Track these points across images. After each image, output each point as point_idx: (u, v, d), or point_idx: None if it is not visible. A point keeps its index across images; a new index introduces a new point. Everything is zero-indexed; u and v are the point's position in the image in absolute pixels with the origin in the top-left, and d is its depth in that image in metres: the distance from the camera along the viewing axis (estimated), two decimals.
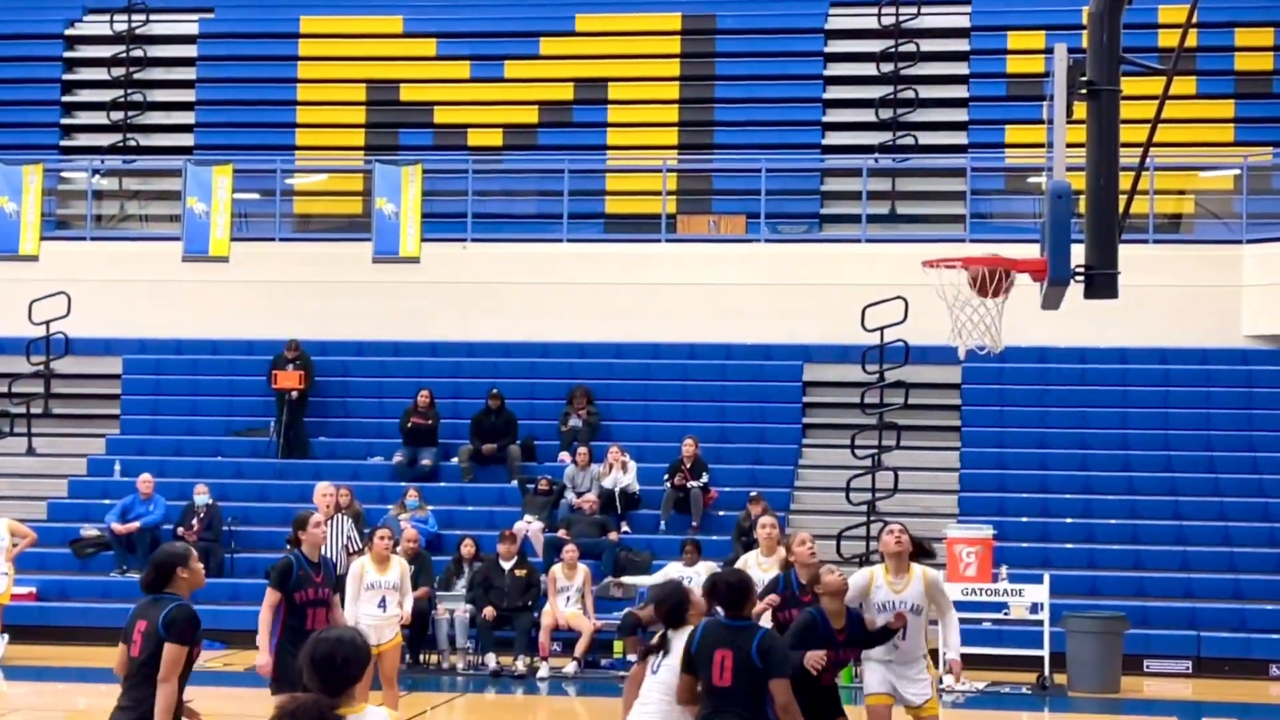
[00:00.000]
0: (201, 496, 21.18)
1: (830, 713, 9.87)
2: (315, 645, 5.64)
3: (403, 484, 22.04)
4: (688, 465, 21.43)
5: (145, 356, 25.04)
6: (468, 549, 19.50)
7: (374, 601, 13.22)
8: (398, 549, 16.38)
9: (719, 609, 8.42)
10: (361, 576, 13.32)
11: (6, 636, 19.02)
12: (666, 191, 25.98)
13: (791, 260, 24.76)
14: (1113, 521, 21.34)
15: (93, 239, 26.31)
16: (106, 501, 21.91)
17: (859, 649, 10.24)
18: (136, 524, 21.19)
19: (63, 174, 27.92)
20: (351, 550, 16.62)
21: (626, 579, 19.81)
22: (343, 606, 13.16)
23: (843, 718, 10.01)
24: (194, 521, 20.96)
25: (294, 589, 11.69)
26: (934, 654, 10.68)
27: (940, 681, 10.69)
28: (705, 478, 21.44)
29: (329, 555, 15.71)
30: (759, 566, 12.94)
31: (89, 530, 21.79)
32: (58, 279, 24.23)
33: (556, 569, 18.96)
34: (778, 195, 26.02)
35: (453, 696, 17.38)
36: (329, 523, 16.31)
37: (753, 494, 20.39)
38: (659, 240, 25.35)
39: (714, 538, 20.39)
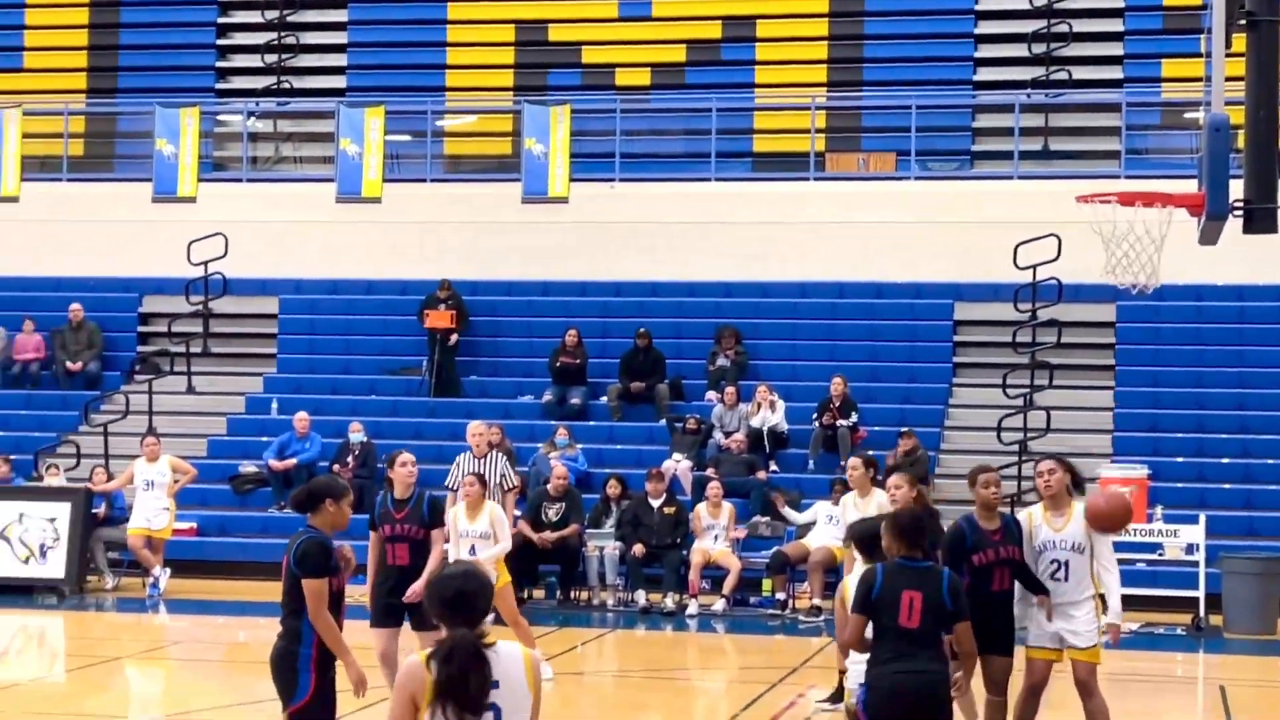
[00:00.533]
0: (356, 434, 21.50)
1: (1003, 640, 9.83)
2: (441, 584, 5.66)
3: (552, 422, 22.21)
4: (836, 404, 21.37)
5: (301, 296, 25.44)
6: (614, 489, 19.63)
7: (465, 550, 13.28)
8: (509, 493, 16.58)
9: (895, 549, 8.26)
10: (454, 524, 13.40)
11: (168, 570, 19.49)
12: (815, 129, 25.81)
13: (942, 198, 24.51)
14: (1271, 462, 20.97)
15: (248, 181, 26.73)
16: (264, 439, 22.33)
17: (1019, 548, 10.09)
18: (293, 461, 21.58)
19: (219, 117, 28.37)
20: (506, 488, 16.86)
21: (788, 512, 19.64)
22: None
23: (1009, 655, 9.94)
24: (349, 459, 21.28)
25: (374, 525, 12.21)
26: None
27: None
28: (854, 417, 21.36)
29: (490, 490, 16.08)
30: (855, 507, 12.86)
31: (247, 467, 22.23)
32: (215, 220, 24.65)
33: (702, 507, 19.03)
34: (928, 132, 25.73)
35: (602, 633, 17.54)
36: (482, 461, 16.62)
37: (904, 430, 20.30)
38: (807, 179, 25.20)
39: None
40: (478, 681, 5.42)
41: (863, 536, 9.08)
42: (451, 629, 5.54)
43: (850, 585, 8.63)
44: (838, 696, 11.77)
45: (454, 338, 23.68)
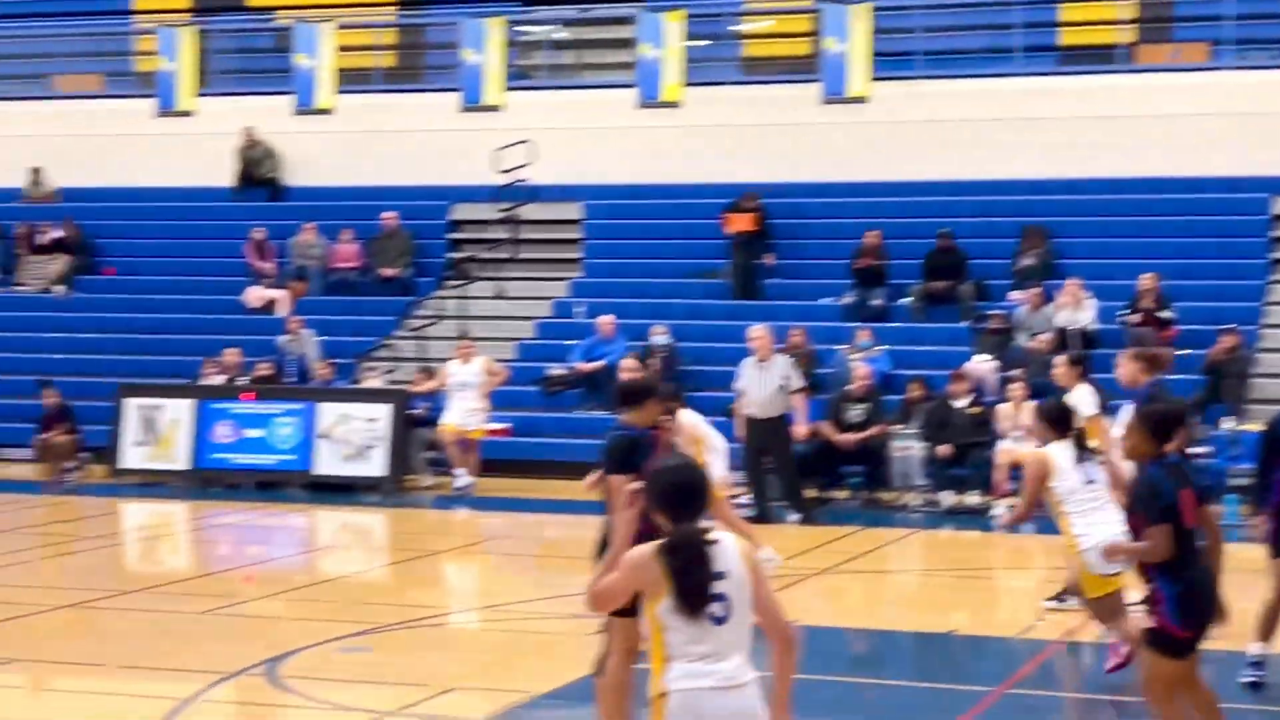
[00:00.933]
0: (660, 337, 21.79)
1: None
2: (663, 477, 5.73)
3: (854, 324, 22.17)
4: (1147, 301, 20.86)
5: (604, 202, 25.79)
6: (916, 391, 19.54)
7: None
8: (794, 395, 16.72)
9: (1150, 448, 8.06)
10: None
11: (469, 474, 20.04)
12: (1125, 20, 25.04)
13: (1259, 89, 23.60)
14: None
15: (552, 88, 27.13)
16: (571, 342, 22.78)
17: None
18: (600, 363, 21.99)
19: (523, 25, 28.79)
20: (789, 390, 17.05)
21: None
22: None
23: None
24: (653, 361, 21.58)
25: None
26: None
27: None
28: (1167, 314, 20.84)
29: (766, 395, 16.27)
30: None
31: (556, 369, 22.73)
32: (520, 128, 25.11)
33: (1006, 408, 18.83)
34: (1244, 20, 24.74)
35: (908, 533, 17.54)
36: (765, 364, 16.86)
37: (1224, 327, 19.74)
38: (1117, 71, 24.51)
39: (1176, 376, 19.83)
40: (705, 573, 5.49)
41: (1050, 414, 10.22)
42: (675, 523, 5.59)
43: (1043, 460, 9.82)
44: (1067, 593, 11.67)
45: (755, 241, 23.76)
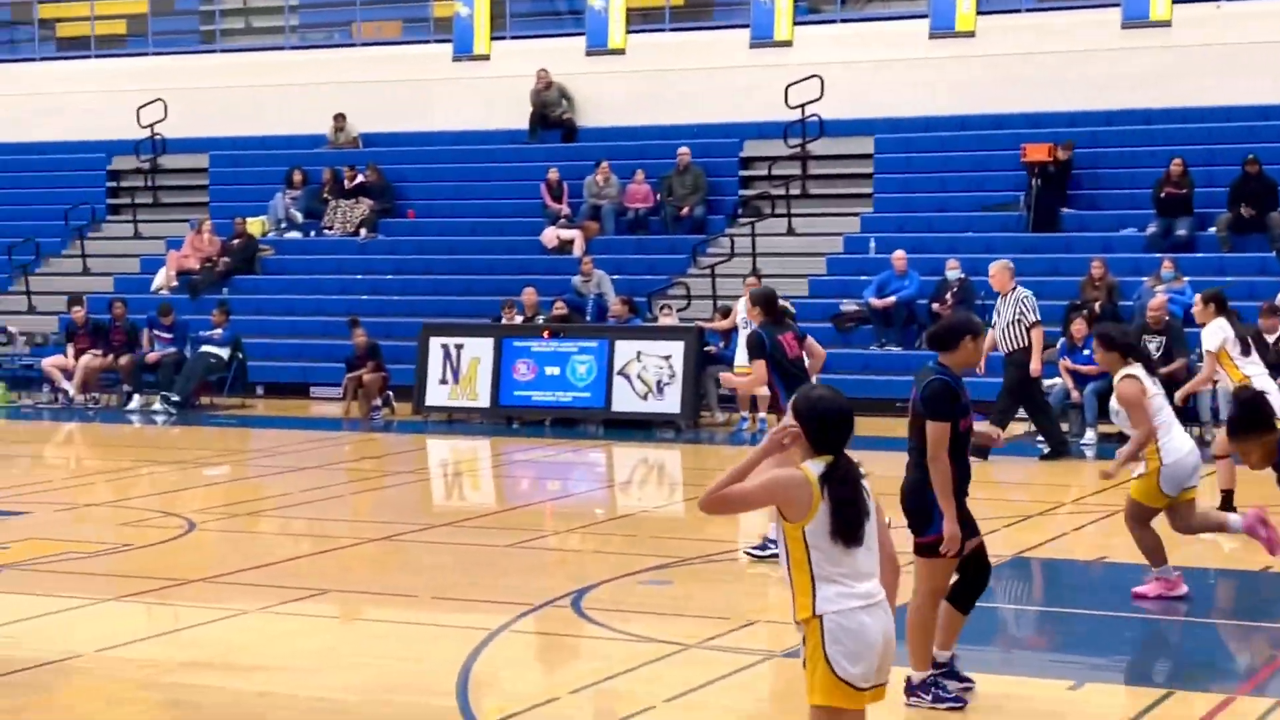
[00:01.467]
0: (953, 271, 21.52)
1: None
2: (824, 403, 5.94)
3: (1157, 255, 21.58)
4: None
5: (896, 135, 25.52)
6: None
7: None
8: (1031, 329, 16.54)
9: None
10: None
11: (749, 414, 20.08)
12: None
13: None
14: None
15: (841, 21, 26.90)
16: (863, 278, 22.65)
17: None
18: (892, 299, 21.83)
19: None
20: (1025, 325, 16.89)
21: None
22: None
23: None
24: (947, 296, 21.33)
25: None
26: None
27: None
28: None
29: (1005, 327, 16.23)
30: None
31: (848, 305, 22.63)
32: (810, 63, 24.97)
33: None
34: None
35: (1209, 470, 17.00)
36: (1002, 299, 16.78)
37: None
38: None
39: None
40: (862, 503, 5.82)
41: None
42: (827, 452, 5.82)
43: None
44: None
45: (1054, 171, 23.27)
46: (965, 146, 25.09)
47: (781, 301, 12.66)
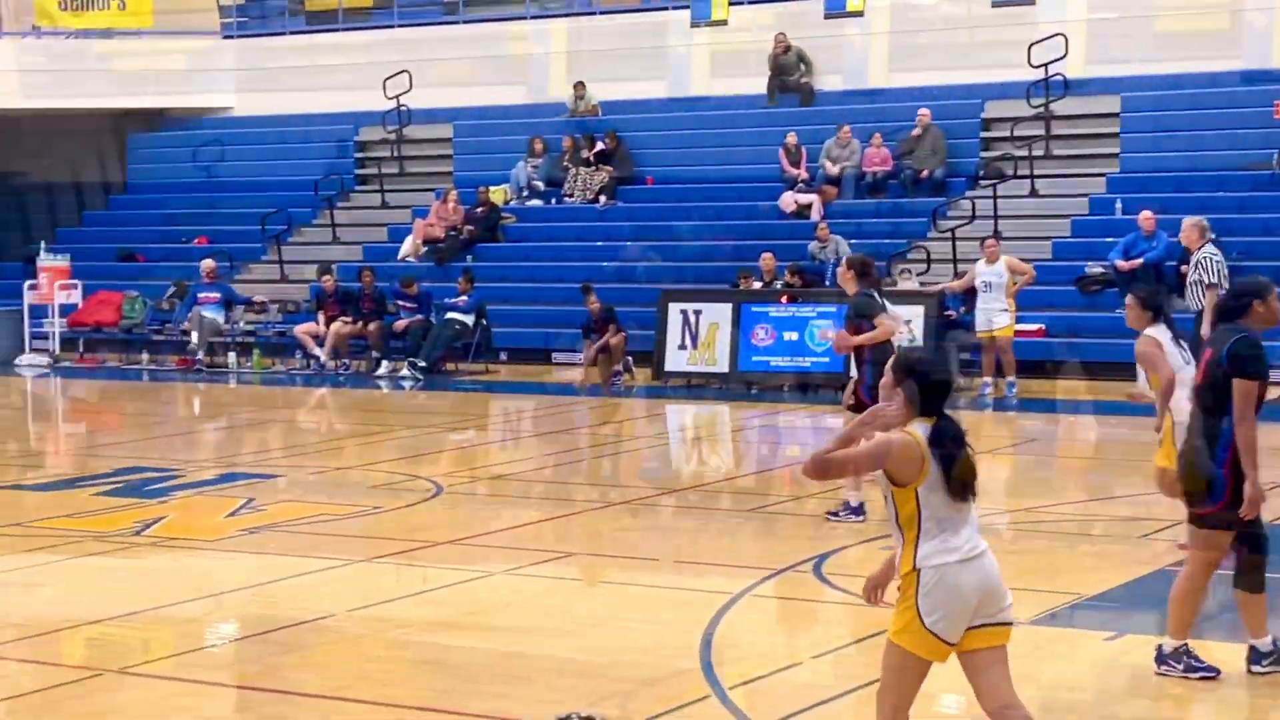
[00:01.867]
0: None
1: None
2: (934, 366, 6.00)
3: None
4: None
5: (1143, 94, 24.90)
6: None
7: None
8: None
9: None
10: None
11: (999, 380, 19.80)
12: None
13: None
14: None
15: None
16: (1109, 239, 22.17)
17: None
18: (1139, 260, 21.33)
19: None
20: (1203, 285, 16.60)
21: None
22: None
23: None
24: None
25: None
26: None
27: None
28: None
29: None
30: None
31: (1093, 268, 22.18)
32: (1054, 21, 24.57)
33: None
34: None
35: None
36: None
37: None
38: None
39: None
40: (970, 461, 5.93)
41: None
42: (930, 413, 5.90)
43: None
44: None
45: None
46: (1217, 104, 24.37)
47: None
